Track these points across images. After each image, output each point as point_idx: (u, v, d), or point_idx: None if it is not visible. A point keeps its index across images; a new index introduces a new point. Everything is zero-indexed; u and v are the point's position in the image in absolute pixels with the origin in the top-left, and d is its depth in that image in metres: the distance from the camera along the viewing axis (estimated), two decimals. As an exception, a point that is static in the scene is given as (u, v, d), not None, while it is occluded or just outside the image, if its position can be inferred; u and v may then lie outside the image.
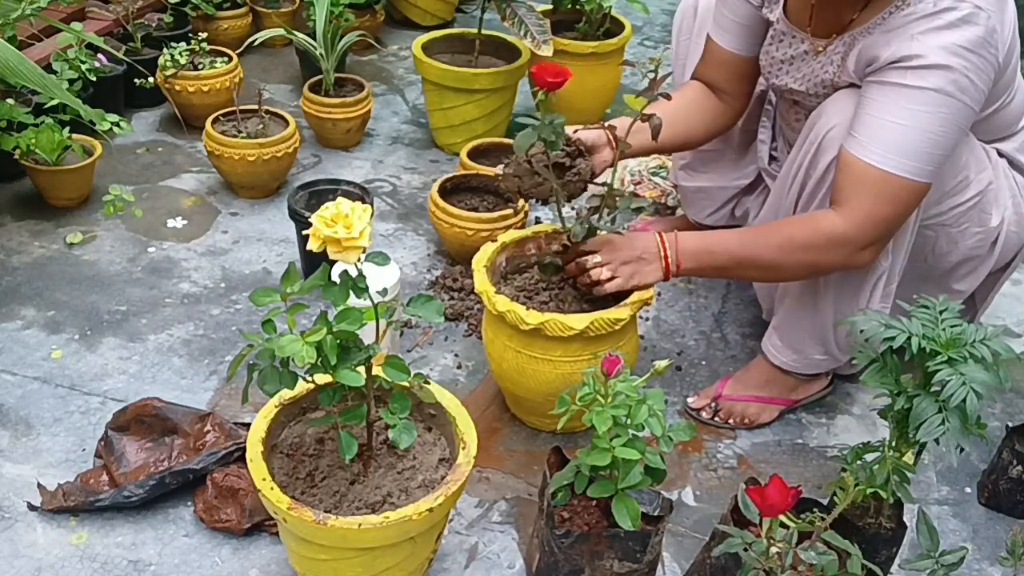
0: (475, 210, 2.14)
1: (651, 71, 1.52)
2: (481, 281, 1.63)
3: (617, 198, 1.61)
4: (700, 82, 1.87)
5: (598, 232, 1.62)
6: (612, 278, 1.60)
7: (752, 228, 1.66)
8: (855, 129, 1.50)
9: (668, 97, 1.56)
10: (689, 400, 1.87)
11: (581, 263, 1.62)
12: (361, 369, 1.26)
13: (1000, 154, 1.71)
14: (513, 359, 1.64)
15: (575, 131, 1.68)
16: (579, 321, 1.56)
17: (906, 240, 1.62)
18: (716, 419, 1.83)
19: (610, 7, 2.72)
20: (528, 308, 1.58)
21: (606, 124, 1.70)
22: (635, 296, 1.61)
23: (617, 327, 1.58)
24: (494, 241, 1.74)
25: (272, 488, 1.29)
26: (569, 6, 2.78)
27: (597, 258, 1.61)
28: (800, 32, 1.67)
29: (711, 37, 1.82)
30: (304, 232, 1.20)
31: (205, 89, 2.54)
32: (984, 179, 1.65)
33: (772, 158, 1.98)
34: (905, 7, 1.49)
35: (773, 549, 1.21)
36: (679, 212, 2.27)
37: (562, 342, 1.58)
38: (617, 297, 1.64)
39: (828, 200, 1.57)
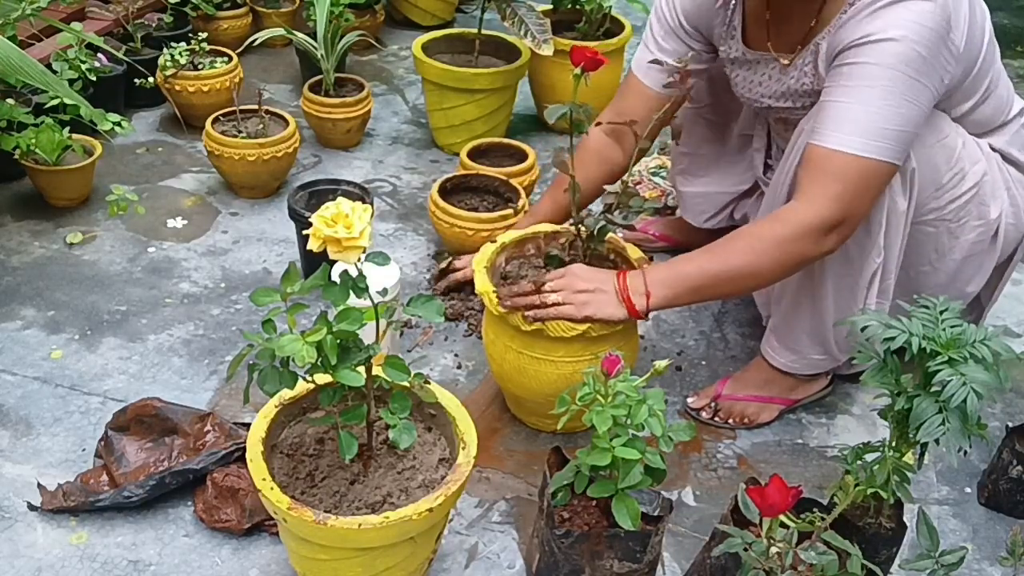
0: (475, 210, 2.14)
1: (676, 70, 1.55)
2: (482, 282, 1.63)
3: (632, 196, 1.62)
4: (601, 131, 1.83)
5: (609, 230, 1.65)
6: (562, 304, 1.55)
7: (717, 243, 1.62)
8: (817, 121, 1.50)
9: (688, 98, 1.60)
10: (689, 400, 1.87)
11: (537, 282, 1.58)
12: (361, 369, 1.26)
13: (992, 149, 1.71)
14: (514, 360, 1.64)
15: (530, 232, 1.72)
16: (581, 321, 1.56)
17: (899, 236, 1.61)
18: (716, 419, 1.83)
19: (610, 7, 2.73)
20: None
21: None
22: None
23: (618, 328, 1.58)
24: (493, 242, 1.74)
25: (272, 488, 1.29)
26: (569, 6, 2.78)
27: (554, 285, 1.57)
28: (764, 54, 1.68)
29: (638, 78, 1.80)
30: (304, 232, 1.20)
31: (205, 89, 2.55)
32: (979, 170, 1.65)
33: (767, 167, 1.98)
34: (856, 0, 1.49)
35: (773, 549, 1.21)
36: (679, 213, 2.27)
37: (564, 343, 1.58)
38: None
39: None
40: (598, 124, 1.79)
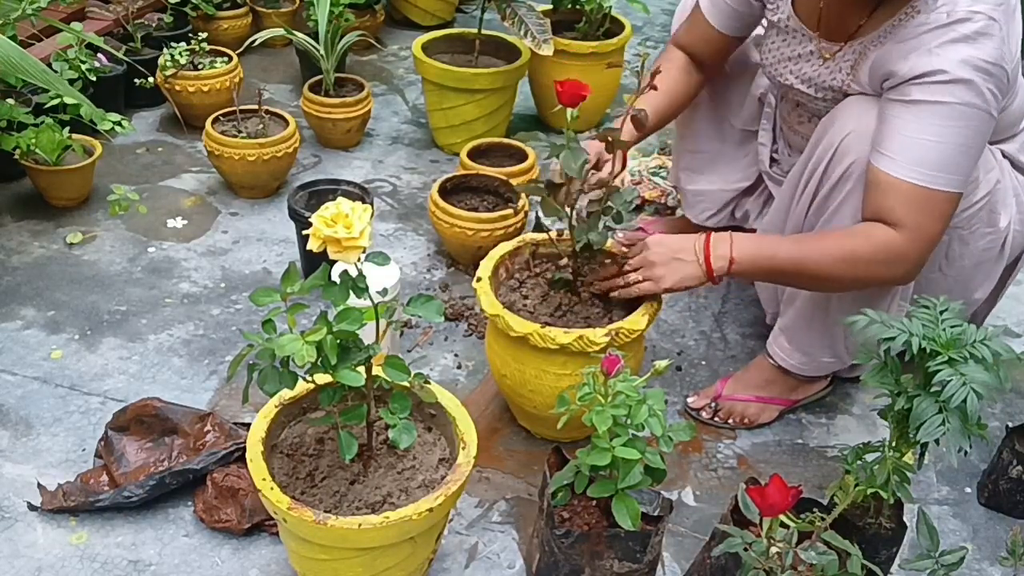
0: (475, 210, 2.14)
1: (637, 69, 1.54)
2: (491, 304, 1.60)
3: (613, 193, 1.59)
4: (680, 51, 1.87)
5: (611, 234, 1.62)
6: (642, 281, 1.58)
7: (808, 238, 1.64)
8: (886, 148, 1.49)
9: (656, 88, 1.58)
10: (689, 400, 1.87)
11: (618, 261, 1.63)
12: (361, 369, 1.26)
13: (1003, 155, 1.71)
14: (534, 378, 1.61)
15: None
16: (604, 335, 1.54)
17: None
18: (716, 419, 1.83)
19: (610, 7, 2.73)
20: (545, 325, 1.56)
21: (606, 133, 1.65)
22: (646, 306, 1.60)
23: (634, 336, 1.58)
24: (490, 253, 1.72)
25: (272, 488, 1.30)
26: (569, 6, 2.78)
27: (633, 262, 1.60)
28: (809, 32, 1.66)
29: (701, 10, 1.81)
30: (304, 232, 1.20)
31: (205, 89, 2.54)
32: (992, 179, 1.65)
33: (773, 160, 1.97)
34: (915, 15, 1.48)
35: (773, 549, 1.21)
36: (679, 212, 2.27)
37: (585, 356, 1.55)
38: (630, 303, 1.62)
39: (843, 206, 1.56)
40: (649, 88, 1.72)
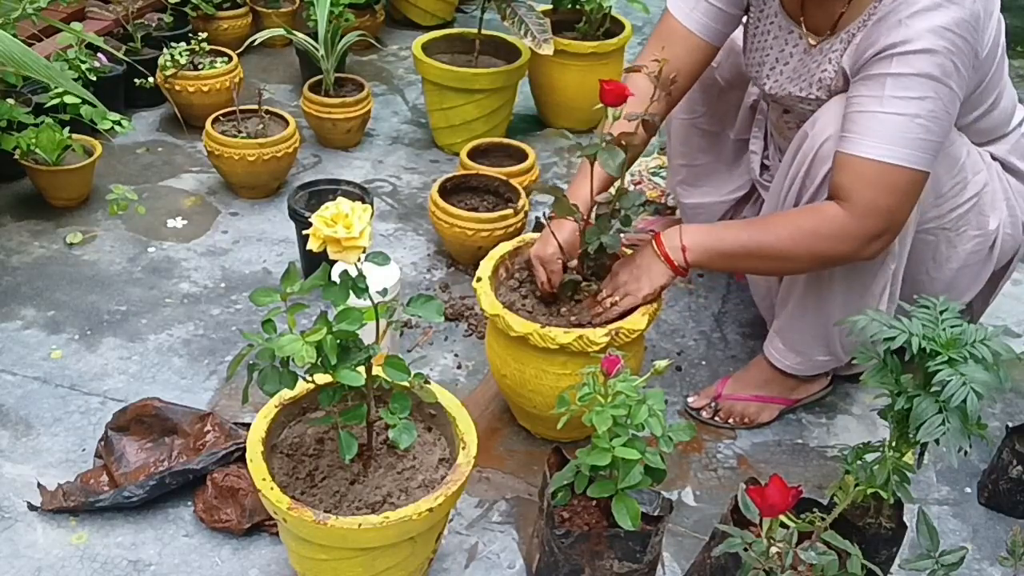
0: (475, 210, 2.14)
1: (655, 74, 1.53)
2: (491, 304, 1.60)
3: (623, 196, 1.59)
4: (645, 76, 1.72)
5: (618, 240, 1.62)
6: (620, 304, 1.60)
7: (758, 219, 1.66)
8: (845, 129, 1.49)
9: (670, 94, 1.56)
10: (689, 400, 1.87)
11: (596, 299, 1.63)
12: (361, 369, 1.26)
13: (993, 157, 1.71)
14: (534, 378, 1.61)
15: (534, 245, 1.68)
16: (604, 335, 1.54)
17: (908, 242, 1.62)
18: (716, 419, 1.83)
19: (610, 7, 2.73)
20: (545, 326, 1.56)
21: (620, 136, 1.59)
22: (645, 306, 1.60)
23: (634, 336, 1.58)
24: (490, 253, 1.72)
25: (272, 488, 1.30)
26: (569, 6, 2.78)
27: (607, 292, 1.62)
28: (796, 27, 1.66)
29: (676, 20, 1.69)
30: (304, 232, 1.20)
31: (205, 89, 2.55)
32: (980, 180, 1.65)
33: (764, 167, 1.97)
34: None
35: (773, 549, 1.21)
36: (679, 212, 2.27)
37: (585, 356, 1.55)
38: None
39: None
40: (633, 70, 1.65)
